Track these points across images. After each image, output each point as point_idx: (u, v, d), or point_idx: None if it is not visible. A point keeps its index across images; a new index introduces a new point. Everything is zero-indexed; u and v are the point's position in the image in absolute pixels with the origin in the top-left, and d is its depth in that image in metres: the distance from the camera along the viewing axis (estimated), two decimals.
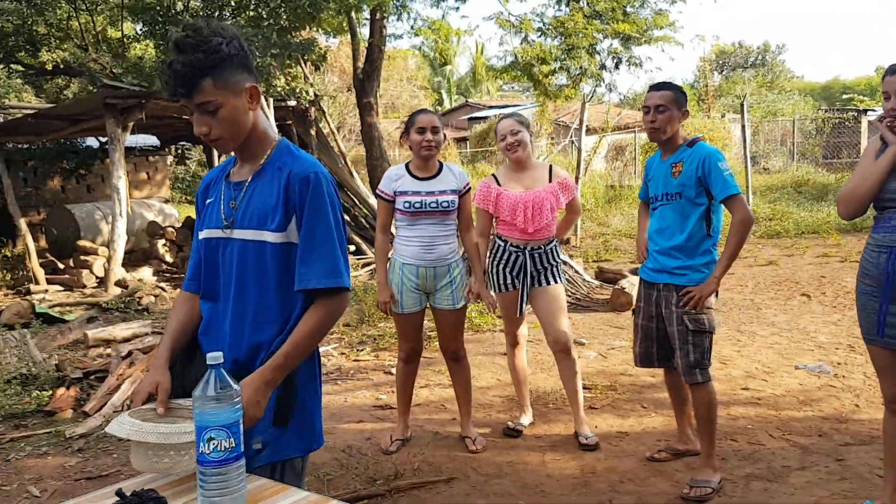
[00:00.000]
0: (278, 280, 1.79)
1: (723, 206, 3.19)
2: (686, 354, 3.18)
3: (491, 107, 30.00)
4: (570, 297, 7.31)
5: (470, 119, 28.07)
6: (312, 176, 1.78)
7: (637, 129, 18.97)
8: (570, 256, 9.23)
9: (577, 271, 7.89)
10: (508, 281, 3.84)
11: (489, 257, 3.93)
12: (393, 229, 3.82)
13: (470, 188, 3.74)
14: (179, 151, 16.78)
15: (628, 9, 10.59)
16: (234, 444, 1.44)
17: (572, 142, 16.43)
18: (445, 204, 3.60)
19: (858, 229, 10.92)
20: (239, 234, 1.81)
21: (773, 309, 6.75)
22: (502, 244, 3.86)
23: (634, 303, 3.53)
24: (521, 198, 3.73)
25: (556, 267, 3.84)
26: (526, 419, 4.10)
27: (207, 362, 1.46)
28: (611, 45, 10.91)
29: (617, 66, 10.56)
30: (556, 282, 3.82)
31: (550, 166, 3.87)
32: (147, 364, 4.93)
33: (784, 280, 8.02)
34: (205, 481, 1.44)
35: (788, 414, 4.11)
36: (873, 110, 24.29)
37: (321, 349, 5.77)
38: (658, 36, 10.72)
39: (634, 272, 7.93)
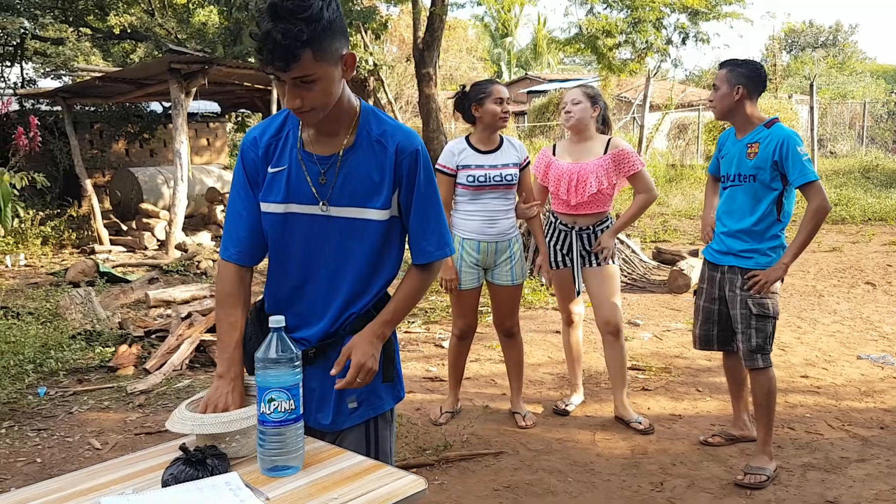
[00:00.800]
0: (378, 253, 1.75)
1: (796, 191, 3.08)
2: (748, 339, 3.10)
3: (551, 80, 29.57)
4: (625, 277, 7.21)
5: (529, 92, 27.68)
6: (421, 149, 1.75)
7: (701, 108, 18.44)
8: (628, 236, 9.08)
9: (633, 251, 7.76)
10: (559, 258, 3.81)
11: (544, 233, 3.90)
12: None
13: (529, 161, 3.69)
14: (239, 119, 17.02)
15: None
16: (293, 406, 1.46)
17: (634, 118, 16.07)
18: (509, 177, 3.56)
19: None
20: (338, 211, 1.71)
21: (836, 297, 6.53)
22: (554, 220, 3.83)
23: (696, 284, 3.44)
24: (567, 169, 3.67)
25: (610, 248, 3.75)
26: (577, 398, 4.07)
27: (270, 325, 1.47)
28: (678, 19, 10.61)
29: (684, 42, 10.28)
30: (608, 262, 3.73)
31: (609, 139, 3.72)
32: (202, 328, 5.05)
33: (848, 267, 7.74)
34: (265, 441, 1.46)
35: (849, 404, 3.98)
36: None
37: None
38: (727, 12, 10.35)
39: (693, 254, 7.77)
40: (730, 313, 3.20)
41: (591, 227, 3.72)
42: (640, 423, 3.71)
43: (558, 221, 3.80)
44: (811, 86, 10.92)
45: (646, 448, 3.50)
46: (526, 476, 3.23)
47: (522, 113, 26.51)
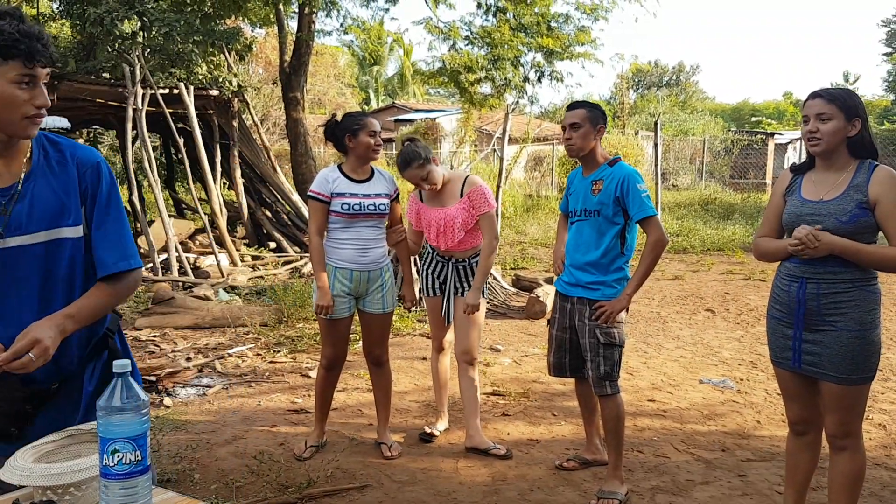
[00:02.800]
0: (84, 271, 1.79)
1: (637, 226, 3.30)
2: (597, 367, 3.27)
3: (418, 110, 30.05)
4: (489, 303, 7.41)
5: (396, 121, 28.02)
6: (101, 163, 1.80)
7: (555, 142, 19.40)
8: None
9: (495, 278, 7.99)
10: (435, 286, 3.92)
11: (421, 261, 4.01)
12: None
13: (398, 193, 3.76)
14: (91, 135, 16.05)
15: (552, 24, 10.83)
16: (140, 458, 1.39)
17: (494, 150, 16.66)
18: (382, 207, 3.62)
19: None
20: (24, 239, 1.69)
21: (679, 323, 7.03)
22: (431, 251, 3.94)
23: (549, 313, 3.61)
24: (434, 216, 3.79)
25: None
26: (442, 425, 4.12)
27: (114, 370, 1.40)
28: (534, 58, 11.13)
29: (539, 80, 10.79)
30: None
31: (466, 177, 3.79)
32: None
33: (689, 295, 8.36)
34: (107, 495, 1.37)
35: (693, 427, 4.27)
36: (780, 133, 25.70)
37: (235, 350, 5.65)
38: (579, 52, 11.00)
39: (549, 281, 8.10)
40: (580, 342, 3.36)
41: (466, 260, 3.84)
42: (497, 448, 3.80)
43: (435, 253, 3.91)
44: (656, 123, 11.78)
45: (505, 474, 3.59)
46: None
47: (390, 140, 26.75)
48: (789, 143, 25.58)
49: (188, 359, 5.51)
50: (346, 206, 3.55)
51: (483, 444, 3.83)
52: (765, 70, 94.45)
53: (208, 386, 4.98)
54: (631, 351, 5.80)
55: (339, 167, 3.66)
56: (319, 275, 3.60)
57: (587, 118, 3.28)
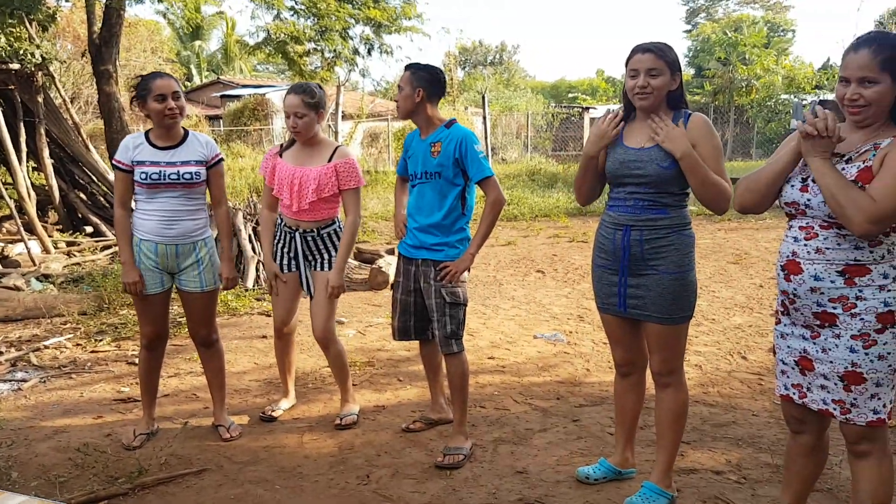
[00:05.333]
0: None
1: (476, 187, 3.36)
2: (444, 326, 3.32)
3: (245, 86, 28.85)
4: None
5: (223, 97, 26.75)
6: None
7: (390, 117, 19.43)
8: None
9: None
10: (286, 261, 3.70)
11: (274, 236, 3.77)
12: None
13: (221, 159, 3.52)
14: None
15: None
16: None
17: (329, 126, 16.40)
18: (188, 176, 3.34)
19: (583, 213, 12.23)
20: None
21: (513, 284, 7.33)
22: (280, 222, 3.73)
23: (393, 279, 3.60)
24: (290, 172, 3.59)
25: (333, 252, 3.67)
26: (286, 403, 4.00)
27: None
28: (363, 31, 11.03)
29: (370, 52, 10.72)
30: (330, 268, 3.66)
31: (337, 147, 3.64)
32: None
33: (521, 258, 8.74)
34: None
35: (530, 380, 4.47)
36: (594, 108, 27.40)
37: (52, 340, 5.17)
38: (407, 26, 11.03)
39: (391, 252, 8.13)
40: (425, 303, 3.40)
41: (315, 230, 3.64)
42: (342, 418, 3.77)
43: (283, 224, 3.70)
44: (483, 99, 12.13)
45: (352, 443, 3.57)
46: (231, 491, 3.09)
47: (217, 117, 25.57)
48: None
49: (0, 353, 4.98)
50: (144, 176, 3.29)
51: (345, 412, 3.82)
52: (578, 50, 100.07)
53: (23, 380, 4.52)
54: (471, 313, 5.94)
55: (147, 133, 3.39)
56: (122, 249, 3.38)
57: (409, 81, 3.31)
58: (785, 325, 2.42)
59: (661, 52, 2.66)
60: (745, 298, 6.50)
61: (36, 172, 9.70)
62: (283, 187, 3.60)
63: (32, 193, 8.85)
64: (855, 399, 2.23)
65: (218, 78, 32.89)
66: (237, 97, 25.40)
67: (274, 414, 3.88)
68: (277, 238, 3.73)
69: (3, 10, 7.86)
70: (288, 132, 3.65)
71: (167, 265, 3.41)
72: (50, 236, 8.57)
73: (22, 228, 7.76)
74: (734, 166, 21.39)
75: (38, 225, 8.23)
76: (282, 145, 3.74)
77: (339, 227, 3.71)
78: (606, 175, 2.87)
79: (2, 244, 8.06)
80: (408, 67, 3.35)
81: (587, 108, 26.39)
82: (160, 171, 3.29)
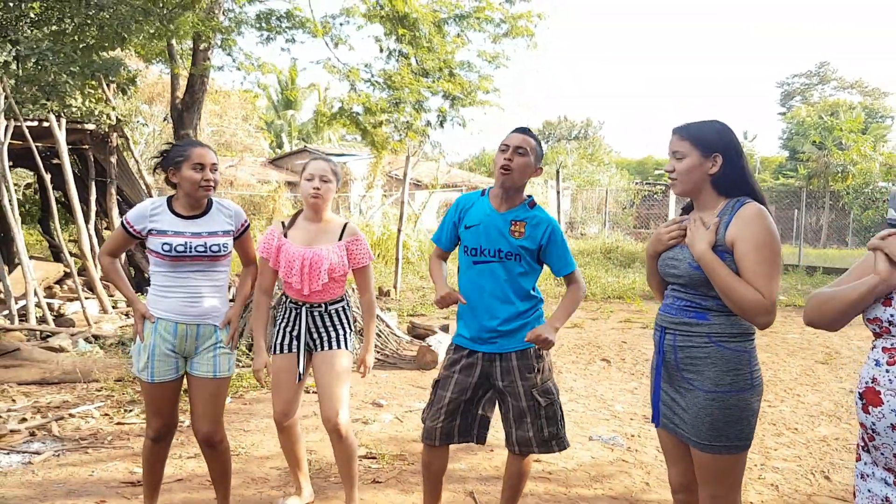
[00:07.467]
0: None
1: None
2: (539, 430, 3.00)
3: (329, 154, 29.71)
4: (378, 353, 6.98)
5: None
6: None
7: (464, 188, 19.39)
8: (387, 310, 8.95)
9: (388, 325, 7.58)
10: (288, 341, 3.36)
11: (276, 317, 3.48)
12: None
13: (248, 225, 3.29)
14: None
15: (455, 70, 10.76)
16: None
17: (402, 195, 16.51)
18: (216, 248, 3.08)
19: None
20: None
21: (574, 373, 6.78)
22: (284, 300, 3.42)
23: (439, 373, 3.17)
24: (300, 252, 3.28)
25: (342, 330, 3.38)
26: (298, 501, 3.58)
27: None
28: (440, 104, 11.01)
29: (441, 124, 10.63)
30: (337, 346, 3.35)
31: (346, 224, 3.40)
32: None
33: (587, 344, 8.17)
34: None
35: (578, 492, 3.93)
36: None
37: (80, 409, 5.00)
38: (483, 99, 10.96)
39: (444, 329, 7.76)
40: (509, 404, 3.00)
41: (323, 305, 3.34)
42: None
43: (288, 300, 3.40)
44: (557, 171, 11.84)
45: None
46: None
47: (297, 184, 26.25)
48: None
49: (23, 419, 4.83)
50: (167, 247, 3.02)
51: None
52: (667, 128, 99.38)
53: (37, 452, 4.31)
54: None
55: (169, 199, 3.16)
56: (119, 288, 3.23)
57: (534, 149, 2.99)
58: (865, 463, 1.95)
59: (685, 132, 2.35)
60: (834, 406, 5.75)
61: (107, 231, 9.93)
62: (293, 270, 3.26)
63: (97, 252, 9.02)
64: None
65: (305, 146, 34.05)
66: None
67: None
68: (281, 317, 3.41)
69: (84, 72, 8.16)
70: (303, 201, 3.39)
71: (185, 348, 3.11)
72: (111, 296, 8.64)
73: (79, 286, 7.82)
74: (828, 254, 20.23)
75: (99, 284, 8.30)
76: (283, 223, 3.44)
77: (348, 304, 3.42)
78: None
79: (60, 302, 8.15)
80: (527, 132, 3.02)
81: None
82: (185, 243, 3.03)
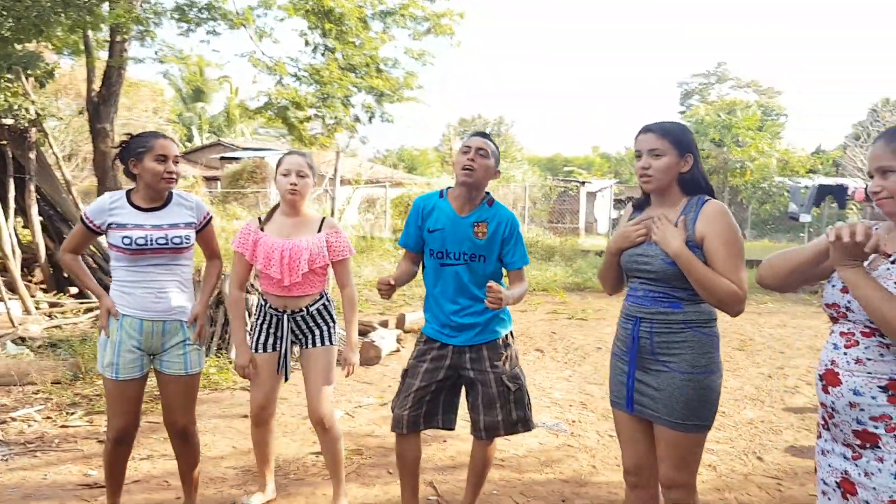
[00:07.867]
0: None
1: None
2: (508, 413, 3.15)
3: (245, 148, 29.10)
4: None
5: (222, 158, 26.93)
6: None
7: (388, 184, 19.46)
8: None
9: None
10: (271, 341, 3.41)
11: (254, 316, 3.51)
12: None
13: (211, 217, 3.29)
14: None
15: (382, 66, 10.81)
16: None
17: (326, 191, 16.37)
18: (177, 240, 3.07)
19: (581, 289, 12.03)
20: None
21: None
22: (264, 304, 3.46)
23: (408, 362, 3.28)
24: (279, 245, 3.33)
25: (325, 326, 3.43)
26: (260, 498, 3.62)
27: None
28: (365, 99, 11.03)
29: (370, 120, 10.67)
30: (322, 343, 3.41)
31: (324, 219, 3.47)
32: None
33: (519, 335, 8.43)
34: None
35: (531, 477, 4.14)
36: (590, 182, 27.67)
37: (20, 412, 4.84)
38: (409, 96, 11.06)
39: (384, 324, 7.86)
40: (480, 390, 3.15)
41: (304, 309, 3.39)
42: None
43: (268, 305, 3.43)
44: None
45: None
46: None
47: (215, 178, 25.67)
48: (599, 190, 27.66)
49: None
50: (127, 241, 2.99)
51: None
52: (574, 127, 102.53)
53: None
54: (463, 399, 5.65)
55: (128, 192, 3.12)
56: (91, 289, 3.19)
57: (494, 153, 3.15)
58: (825, 440, 2.16)
59: (663, 131, 2.50)
60: (755, 390, 6.22)
61: (24, 229, 9.49)
62: (272, 261, 3.32)
63: (18, 251, 8.60)
64: None
65: (218, 140, 33.20)
66: (236, 159, 25.52)
67: None
68: (261, 319, 3.46)
69: (1, 65, 7.79)
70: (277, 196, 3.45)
71: (151, 345, 3.10)
72: (32, 296, 8.28)
73: (2, 287, 7.48)
74: None
75: (21, 284, 7.94)
76: (259, 218, 3.51)
77: (328, 301, 3.48)
78: (621, 267, 2.69)
79: None
80: (488, 137, 3.18)
81: (584, 183, 26.68)
82: (146, 236, 3.00)
